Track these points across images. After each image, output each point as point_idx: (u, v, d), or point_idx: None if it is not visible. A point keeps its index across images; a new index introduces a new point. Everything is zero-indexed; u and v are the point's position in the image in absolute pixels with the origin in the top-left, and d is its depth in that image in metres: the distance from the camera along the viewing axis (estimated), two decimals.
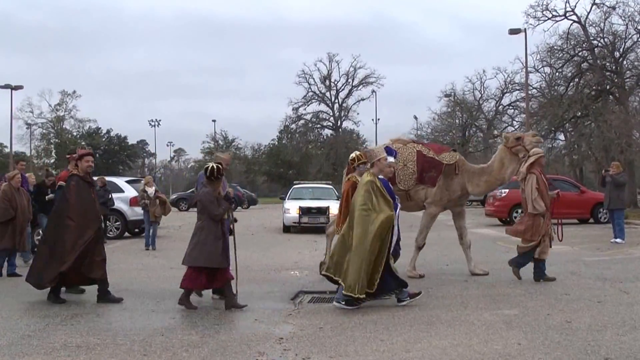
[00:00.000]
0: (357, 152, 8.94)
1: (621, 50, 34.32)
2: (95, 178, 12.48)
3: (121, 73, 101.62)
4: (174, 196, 44.95)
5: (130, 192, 18.37)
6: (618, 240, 14.70)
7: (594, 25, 34.69)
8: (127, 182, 19.55)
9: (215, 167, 7.67)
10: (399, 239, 7.73)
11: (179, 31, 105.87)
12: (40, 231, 11.84)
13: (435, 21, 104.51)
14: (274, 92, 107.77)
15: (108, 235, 16.97)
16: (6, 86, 42.31)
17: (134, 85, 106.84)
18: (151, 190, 15.45)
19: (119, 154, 77.98)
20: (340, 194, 22.62)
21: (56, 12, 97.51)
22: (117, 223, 18.26)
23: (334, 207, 20.14)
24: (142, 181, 17.09)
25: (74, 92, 67.64)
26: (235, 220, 8.45)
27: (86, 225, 7.81)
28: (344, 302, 7.32)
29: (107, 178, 17.90)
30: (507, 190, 21.01)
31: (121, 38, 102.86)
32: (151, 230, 15.29)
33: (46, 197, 12.30)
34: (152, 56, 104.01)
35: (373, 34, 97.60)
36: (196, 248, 7.51)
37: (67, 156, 9.57)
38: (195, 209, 7.84)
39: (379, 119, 65.25)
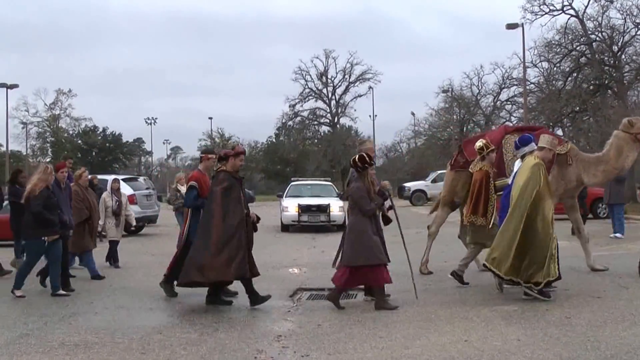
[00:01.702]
0: (483, 141, 8.71)
1: (619, 44, 34.26)
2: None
3: (113, 71, 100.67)
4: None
5: (127, 190, 18.28)
6: (618, 235, 14.69)
7: (591, 19, 34.63)
8: (124, 180, 19.48)
9: (360, 156, 7.29)
10: None
11: (167, 28, 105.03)
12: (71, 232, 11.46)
13: (427, 17, 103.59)
14: (267, 89, 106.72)
15: (103, 234, 16.79)
16: (2, 85, 42.17)
17: (129, 83, 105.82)
18: (184, 189, 13.60)
19: (114, 152, 77.82)
20: (339, 192, 22.42)
21: (43, 10, 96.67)
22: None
23: (334, 204, 19.05)
24: (164, 179, 16.27)
25: (69, 90, 67.13)
26: (391, 208, 7.84)
27: (235, 218, 7.42)
28: (536, 291, 7.35)
29: (102, 176, 17.58)
30: None
31: (111, 36, 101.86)
32: None
33: None
34: (143, 54, 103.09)
35: (364, 30, 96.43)
36: (352, 246, 7.21)
37: (201, 155, 9.09)
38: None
39: (376, 116, 65.14)
